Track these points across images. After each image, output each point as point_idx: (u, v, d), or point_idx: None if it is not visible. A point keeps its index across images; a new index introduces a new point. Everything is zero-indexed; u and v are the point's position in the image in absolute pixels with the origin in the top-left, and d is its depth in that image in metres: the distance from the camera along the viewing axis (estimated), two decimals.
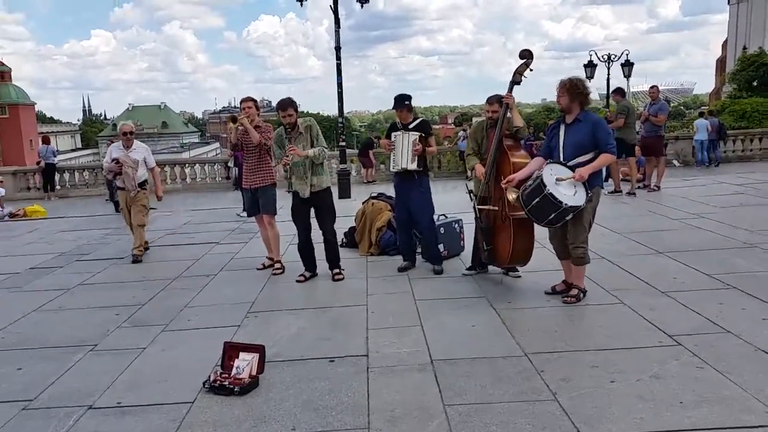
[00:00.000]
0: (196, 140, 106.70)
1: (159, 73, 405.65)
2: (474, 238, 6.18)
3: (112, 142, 8.77)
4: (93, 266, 7.56)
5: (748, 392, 3.42)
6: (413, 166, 6.13)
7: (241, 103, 6.74)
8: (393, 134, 6.27)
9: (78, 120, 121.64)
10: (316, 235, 6.36)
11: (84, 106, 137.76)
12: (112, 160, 7.63)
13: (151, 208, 13.31)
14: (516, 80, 5.57)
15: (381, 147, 6.73)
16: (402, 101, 6.29)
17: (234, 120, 6.65)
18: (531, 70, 5.58)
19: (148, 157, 7.92)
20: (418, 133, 6.14)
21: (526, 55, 5.56)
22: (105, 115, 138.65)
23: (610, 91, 12.31)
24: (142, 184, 7.77)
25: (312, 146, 6.05)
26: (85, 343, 4.84)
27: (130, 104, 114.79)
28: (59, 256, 8.38)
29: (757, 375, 3.63)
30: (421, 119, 6.47)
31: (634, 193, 10.90)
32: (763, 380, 3.56)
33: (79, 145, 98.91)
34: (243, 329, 4.98)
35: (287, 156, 5.91)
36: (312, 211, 6.30)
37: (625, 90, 36.51)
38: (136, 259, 7.64)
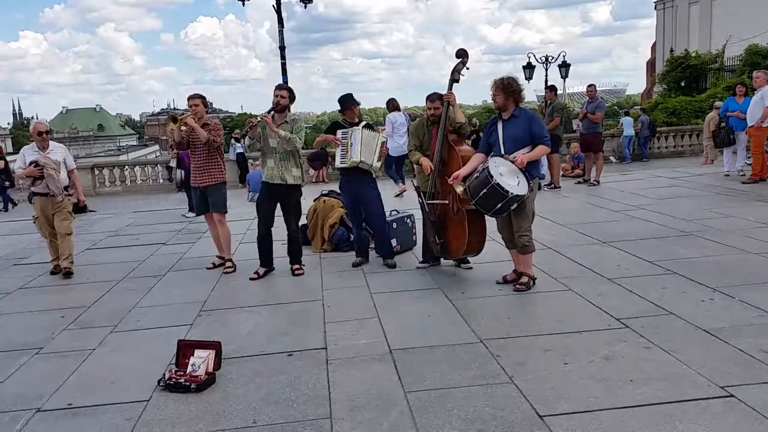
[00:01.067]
0: (134, 143, 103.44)
1: (94, 76, 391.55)
2: (423, 233, 6.27)
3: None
4: (32, 270, 7.25)
5: (692, 368, 3.60)
6: (378, 165, 6.26)
7: (188, 99, 6.58)
8: (342, 131, 6.27)
9: (8, 124, 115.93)
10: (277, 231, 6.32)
11: (14, 110, 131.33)
12: (30, 164, 6.64)
13: (90, 211, 12.96)
14: (455, 78, 5.73)
15: (319, 144, 6.70)
16: (352, 100, 6.40)
17: (174, 120, 6.48)
18: (467, 68, 5.76)
19: (68, 158, 7.03)
20: (386, 137, 6.25)
21: (462, 54, 5.75)
22: (37, 117, 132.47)
23: (545, 88, 12.80)
24: (66, 189, 6.87)
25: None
26: (30, 346, 4.63)
27: (63, 107, 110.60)
28: None
29: (699, 352, 3.82)
30: (366, 121, 6.61)
31: (560, 186, 11.49)
32: (705, 357, 3.74)
33: (11, 150, 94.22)
34: (196, 328, 4.88)
35: (258, 119, 6.01)
36: (278, 207, 6.27)
37: (562, 90, 37.60)
38: (68, 272, 6.75)
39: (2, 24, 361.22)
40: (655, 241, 6.76)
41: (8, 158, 17.54)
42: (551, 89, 12.54)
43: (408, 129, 11.11)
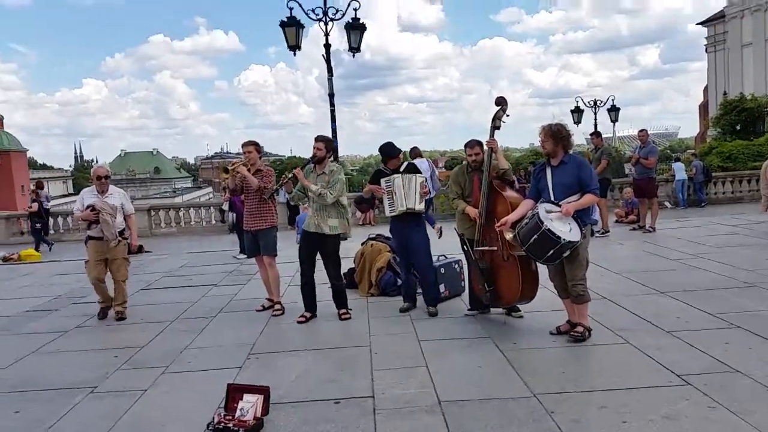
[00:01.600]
0: (189, 185, 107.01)
1: (151, 120, 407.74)
2: (469, 280, 6.18)
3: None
4: (89, 309, 7.44)
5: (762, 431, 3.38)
6: (421, 207, 6.20)
7: (242, 146, 6.78)
8: (385, 179, 6.29)
9: (70, 166, 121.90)
10: (320, 276, 6.36)
11: (76, 153, 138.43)
12: (87, 207, 6.65)
13: (146, 251, 13.35)
14: (496, 125, 5.74)
15: (368, 193, 6.64)
16: (392, 150, 6.41)
17: (226, 171, 6.73)
18: (508, 115, 5.76)
19: (126, 203, 7.01)
20: (423, 176, 6.25)
21: (501, 102, 5.77)
22: (97, 160, 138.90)
23: (589, 134, 12.70)
24: (121, 233, 6.83)
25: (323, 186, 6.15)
26: (85, 385, 4.73)
27: (122, 150, 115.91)
28: (54, 299, 8.27)
29: None
30: (407, 163, 6.68)
31: (608, 231, 11.40)
32: None
33: (72, 191, 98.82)
34: (245, 371, 4.90)
35: (291, 175, 6.24)
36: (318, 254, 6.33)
37: (612, 134, 37.01)
38: (121, 317, 6.76)
39: (69, 73, 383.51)
40: (716, 291, 6.48)
41: (70, 198, 18.23)
42: (597, 135, 12.48)
43: (431, 175, 11.67)
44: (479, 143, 5.85)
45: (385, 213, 6.45)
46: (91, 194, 6.81)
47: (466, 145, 5.99)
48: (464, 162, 6.13)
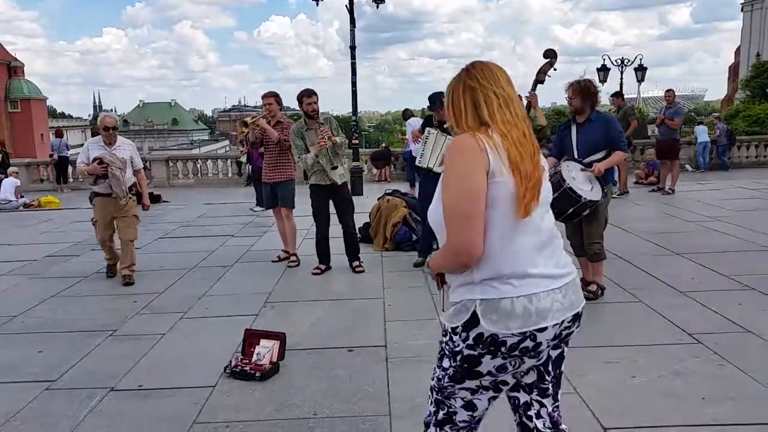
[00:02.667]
0: (206, 137, 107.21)
1: (169, 71, 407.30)
2: None
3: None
4: None
5: None
6: (440, 170, 6.13)
7: (262, 98, 6.76)
8: (427, 129, 6.21)
9: (89, 115, 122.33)
10: (332, 230, 6.41)
11: (95, 102, 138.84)
12: (94, 160, 5.97)
13: (164, 201, 13.50)
14: (540, 79, 5.55)
15: (413, 134, 6.70)
16: (438, 100, 6.08)
17: (245, 124, 6.69)
18: (555, 69, 5.57)
19: (135, 156, 6.35)
20: None
21: (550, 55, 5.54)
22: (115, 110, 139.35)
23: (611, 95, 12.43)
24: (130, 189, 6.22)
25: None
26: (105, 328, 4.87)
27: (140, 101, 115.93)
28: (75, 245, 8.44)
29: None
30: None
31: (628, 192, 11.39)
32: None
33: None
34: (261, 318, 5.01)
35: (323, 139, 6.03)
36: (331, 205, 6.35)
37: (637, 95, 36.19)
38: (129, 281, 6.15)
39: (89, 21, 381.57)
40: (732, 254, 6.44)
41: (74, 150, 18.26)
42: (618, 96, 12.26)
43: None
44: (519, 97, 5.72)
45: (417, 161, 6.43)
46: (97, 146, 6.13)
47: None
48: None
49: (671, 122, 11.17)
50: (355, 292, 5.71)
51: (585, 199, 4.83)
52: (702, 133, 18.36)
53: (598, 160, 5.03)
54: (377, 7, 15.89)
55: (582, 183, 4.91)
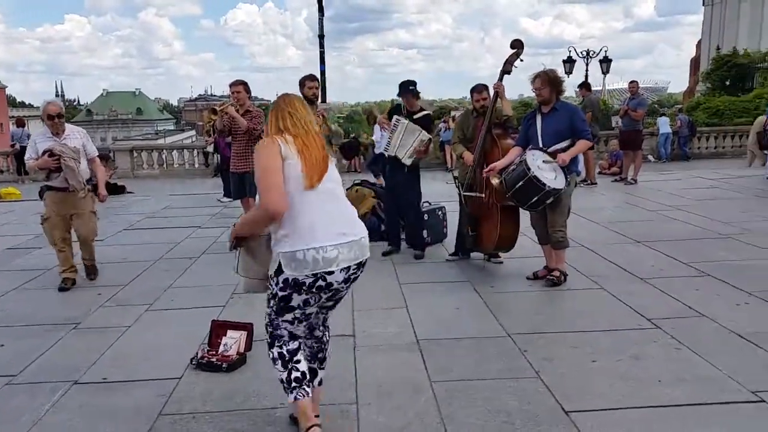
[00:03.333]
0: (171, 127, 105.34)
1: (134, 60, 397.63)
2: (458, 224, 6.26)
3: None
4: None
5: (723, 372, 3.55)
6: (408, 162, 6.16)
7: (230, 86, 6.68)
8: (396, 117, 6.22)
9: (41, 104, 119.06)
10: None
11: (57, 91, 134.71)
12: (44, 153, 5.40)
13: (128, 192, 13.26)
14: (506, 69, 5.63)
15: (379, 122, 6.69)
16: (407, 87, 6.20)
17: (214, 112, 6.61)
18: (521, 60, 5.65)
19: (88, 143, 5.76)
20: (429, 136, 6.14)
21: (517, 45, 5.63)
22: (78, 100, 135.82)
23: (577, 87, 12.60)
24: (88, 181, 5.73)
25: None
26: (69, 321, 4.80)
27: (104, 90, 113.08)
28: (36, 237, 8.20)
29: (731, 356, 3.76)
30: (426, 113, 6.40)
31: (596, 183, 11.46)
32: (737, 361, 3.69)
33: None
34: (228, 309, 4.99)
35: (318, 115, 6.01)
36: None
37: (602, 86, 36.78)
38: (92, 272, 5.92)
39: (50, 7, 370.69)
40: (691, 242, 6.64)
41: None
42: (584, 87, 12.41)
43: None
44: (486, 88, 5.79)
45: (380, 148, 6.45)
46: (44, 137, 5.56)
47: (472, 90, 5.89)
48: (471, 106, 6.08)
49: (634, 113, 11.40)
50: None
51: (549, 187, 4.93)
52: (664, 125, 18.83)
53: (563, 149, 5.13)
54: None
55: (546, 171, 5.01)
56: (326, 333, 3.13)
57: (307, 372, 2.92)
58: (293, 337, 2.93)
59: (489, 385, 3.48)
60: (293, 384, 2.87)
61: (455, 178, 6.07)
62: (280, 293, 2.76)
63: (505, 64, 5.61)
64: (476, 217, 5.79)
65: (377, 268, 6.14)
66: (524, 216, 5.53)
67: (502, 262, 6.07)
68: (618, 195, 10.35)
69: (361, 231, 2.85)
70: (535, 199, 5.02)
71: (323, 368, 3.11)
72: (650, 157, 18.30)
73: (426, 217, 6.94)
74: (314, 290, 2.74)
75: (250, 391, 3.53)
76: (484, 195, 5.66)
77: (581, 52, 28.37)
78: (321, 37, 15.01)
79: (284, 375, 2.89)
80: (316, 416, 2.93)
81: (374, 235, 7.19)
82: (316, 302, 2.83)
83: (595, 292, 5.12)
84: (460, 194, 5.93)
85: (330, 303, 2.97)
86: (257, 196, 2.67)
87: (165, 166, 18.95)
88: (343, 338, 4.27)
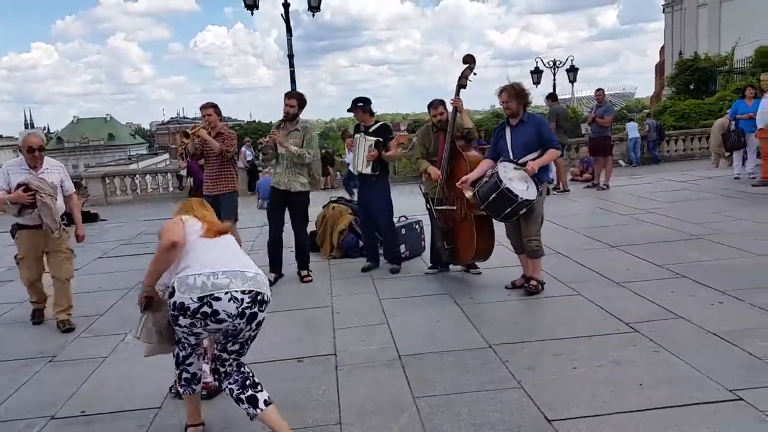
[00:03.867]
0: (145, 152, 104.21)
1: (103, 86, 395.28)
2: (431, 239, 6.29)
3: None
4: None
5: (701, 372, 3.59)
6: (368, 171, 6.26)
7: (201, 109, 6.63)
8: (354, 136, 6.38)
9: (20, 133, 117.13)
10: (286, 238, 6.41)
11: (26, 120, 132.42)
12: (18, 187, 4.97)
13: (101, 220, 13.05)
14: (462, 84, 5.74)
15: (346, 144, 6.90)
16: (354, 104, 6.43)
17: (186, 135, 6.55)
18: (475, 74, 5.76)
19: (66, 180, 5.42)
20: (375, 139, 6.24)
21: (469, 60, 5.75)
22: (48, 128, 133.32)
23: (545, 97, 12.85)
24: (62, 218, 5.30)
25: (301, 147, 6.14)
26: (44, 354, 4.70)
27: (74, 117, 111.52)
28: (9, 269, 8.06)
29: (708, 356, 3.82)
30: (381, 123, 6.59)
31: (569, 190, 11.69)
32: (714, 360, 3.74)
33: None
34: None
35: (272, 137, 6.14)
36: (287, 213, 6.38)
37: (571, 95, 37.30)
38: (69, 327, 5.26)
39: (15, 36, 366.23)
40: (664, 244, 6.74)
41: None
42: (550, 97, 12.67)
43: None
44: (443, 102, 5.88)
45: (351, 168, 6.57)
46: (20, 169, 5.14)
47: (429, 105, 5.98)
48: (430, 122, 6.15)
49: (602, 120, 11.60)
50: (303, 302, 5.69)
51: (521, 198, 4.99)
52: (632, 130, 19.20)
53: (533, 160, 5.20)
54: (313, 15, 15.92)
55: (518, 183, 5.07)
56: (243, 367, 3.19)
57: (197, 373, 3.23)
58: (189, 345, 3.18)
59: (472, 398, 3.49)
60: (182, 382, 3.22)
61: (425, 193, 6.11)
62: (171, 313, 2.95)
63: (459, 79, 5.72)
64: (451, 230, 5.82)
65: (357, 284, 6.14)
66: (500, 225, 5.57)
67: (480, 273, 6.10)
68: (591, 201, 10.49)
69: (257, 270, 3.04)
70: (509, 210, 5.07)
71: (262, 390, 3.15)
72: (621, 162, 18.60)
73: (403, 231, 6.96)
74: (198, 316, 2.86)
75: (230, 417, 3.49)
76: (455, 207, 5.70)
77: (548, 62, 28.87)
78: (290, 56, 15.05)
79: (176, 374, 3.23)
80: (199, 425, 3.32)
81: (353, 252, 7.24)
82: (202, 327, 2.94)
83: (573, 299, 5.17)
84: (430, 209, 5.98)
85: (235, 346, 3.08)
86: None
87: (138, 191, 18.76)
88: (325, 358, 4.25)
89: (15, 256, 5.49)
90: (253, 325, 3.02)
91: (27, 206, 5.00)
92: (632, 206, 9.34)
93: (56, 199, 5.14)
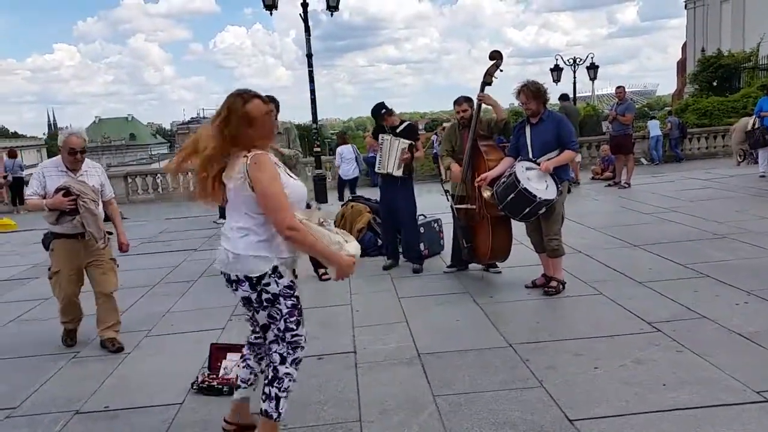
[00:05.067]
0: (165, 151, 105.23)
1: (125, 86, 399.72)
2: (453, 237, 6.26)
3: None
4: None
5: (726, 372, 3.54)
6: (399, 173, 6.22)
7: None
8: (381, 136, 6.32)
9: (43, 134, 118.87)
10: None
11: (49, 120, 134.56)
12: (58, 191, 4.39)
13: (124, 218, 13.20)
14: (487, 81, 5.69)
15: (366, 143, 6.86)
16: (379, 111, 6.34)
17: None
18: (501, 70, 5.71)
19: (107, 183, 4.86)
20: (409, 142, 6.20)
21: (496, 56, 5.69)
22: (71, 128, 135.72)
23: (558, 98, 12.94)
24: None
25: (288, 148, 6.11)
26: (68, 351, 4.77)
27: (96, 117, 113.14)
28: (32, 267, 8.21)
29: (733, 357, 3.76)
30: (408, 123, 6.56)
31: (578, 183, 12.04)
32: (739, 361, 3.68)
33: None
34: (227, 332, 4.97)
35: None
36: None
37: (591, 93, 36.87)
38: (118, 346, 4.67)
39: (38, 37, 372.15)
40: (687, 243, 6.65)
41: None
42: (562, 98, 12.74)
43: (356, 158, 13.58)
44: (468, 100, 5.86)
45: (375, 169, 6.53)
46: (56, 171, 4.56)
47: (454, 103, 5.99)
48: (455, 120, 6.12)
49: (623, 118, 11.49)
50: (322, 300, 5.71)
51: (540, 198, 4.94)
52: (654, 128, 18.98)
53: (549, 160, 5.15)
54: (332, 15, 15.93)
55: (536, 182, 5.02)
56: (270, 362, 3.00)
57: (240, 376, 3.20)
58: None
59: (492, 397, 3.47)
60: None
61: (446, 191, 6.10)
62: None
63: (485, 75, 5.67)
64: (470, 228, 5.80)
65: (376, 282, 6.14)
66: (520, 225, 5.53)
67: (500, 272, 6.06)
68: (612, 199, 10.38)
69: (236, 245, 2.85)
70: (527, 210, 5.03)
71: (245, 389, 3.18)
72: (643, 160, 18.40)
73: (422, 230, 6.95)
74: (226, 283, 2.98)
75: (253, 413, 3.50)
76: (475, 207, 5.68)
77: (568, 60, 28.62)
78: (309, 56, 15.07)
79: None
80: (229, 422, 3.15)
81: (372, 250, 7.23)
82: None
83: (594, 298, 5.12)
84: (452, 206, 5.95)
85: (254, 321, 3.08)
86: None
87: (160, 190, 18.96)
88: (345, 355, 4.26)
89: (49, 271, 4.71)
90: (244, 302, 2.96)
91: (67, 213, 4.42)
92: (655, 205, 9.23)
93: (98, 204, 4.60)
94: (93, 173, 4.73)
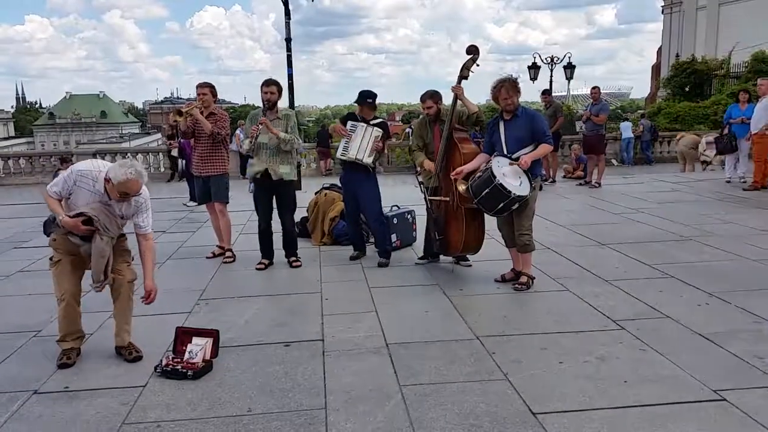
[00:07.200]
0: (137, 131, 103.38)
1: (98, 62, 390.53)
2: (426, 229, 6.27)
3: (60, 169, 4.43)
4: (32, 253, 7.26)
5: (686, 371, 3.62)
6: (369, 161, 6.16)
7: (197, 87, 6.58)
8: (351, 123, 6.25)
9: (11, 107, 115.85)
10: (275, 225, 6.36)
11: (17, 94, 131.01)
12: (78, 215, 3.88)
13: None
14: (464, 75, 5.70)
15: (332, 132, 6.76)
16: (365, 98, 6.27)
17: (180, 113, 6.47)
18: (477, 65, 5.72)
19: (145, 215, 4.25)
20: (381, 131, 6.17)
21: (473, 51, 5.70)
22: (40, 103, 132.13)
23: (540, 92, 13.07)
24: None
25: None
26: (28, 329, 4.66)
27: (67, 92, 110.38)
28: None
29: (693, 356, 3.84)
30: (381, 120, 6.54)
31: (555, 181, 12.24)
32: (699, 361, 3.76)
33: (13, 134, 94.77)
34: (194, 316, 4.91)
35: (258, 125, 5.96)
36: (274, 200, 6.29)
37: (567, 92, 37.24)
38: (137, 354, 4.06)
39: (8, 7, 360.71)
40: (654, 244, 6.77)
41: (12, 141, 17.28)
42: (546, 93, 12.93)
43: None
44: (432, 96, 5.85)
45: (337, 154, 6.46)
46: (91, 189, 3.95)
47: (420, 99, 5.97)
48: (425, 114, 6.10)
49: (596, 118, 11.63)
50: (292, 287, 5.67)
51: (514, 194, 4.98)
52: (626, 129, 19.31)
53: (526, 155, 5.18)
54: (312, 0, 15.79)
55: (511, 178, 5.06)
56: None
57: None
58: None
59: (458, 388, 3.49)
60: None
61: (420, 183, 6.09)
62: None
63: (462, 69, 5.68)
64: (442, 221, 5.81)
65: (347, 271, 6.13)
66: (492, 219, 5.57)
67: (470, 265, 6.10)
68: (583, 198, 10.52)
69: None
70: (501, 205, 5.06)
71: None
72: (613, 161, 18.69)
73: (395, 220, 6.94)
74: None
75: (216, 398, 3.47)
76: (449, 198, 5.69)
77: (546, 59, 28.84)
78: (288, 40, 14.90)
79: None
80: None
81: (344, 239, 7.21)
82: None
83: (561, 294, 5.18)
84: (426, 198, 5.95)
85: None
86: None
87: None
88: (312, 343, 4.24)
89: (51, 259, 4.12)
90: None
91: (86, 234, 3.94)
92: (624, 205, 9.38)
93: (114, 239, 4.08)
94: (131, 201, 4.08)
